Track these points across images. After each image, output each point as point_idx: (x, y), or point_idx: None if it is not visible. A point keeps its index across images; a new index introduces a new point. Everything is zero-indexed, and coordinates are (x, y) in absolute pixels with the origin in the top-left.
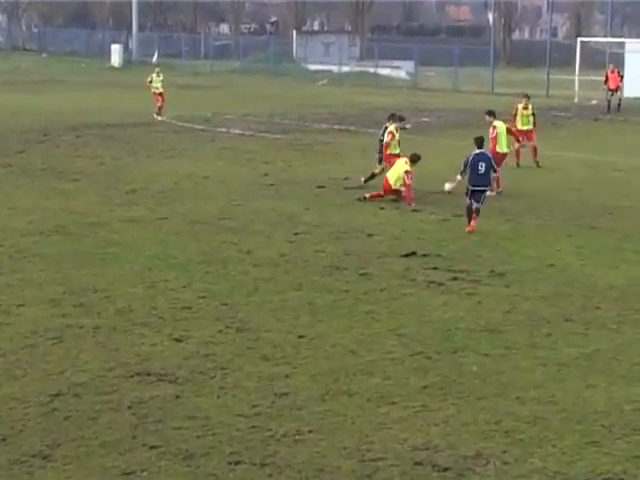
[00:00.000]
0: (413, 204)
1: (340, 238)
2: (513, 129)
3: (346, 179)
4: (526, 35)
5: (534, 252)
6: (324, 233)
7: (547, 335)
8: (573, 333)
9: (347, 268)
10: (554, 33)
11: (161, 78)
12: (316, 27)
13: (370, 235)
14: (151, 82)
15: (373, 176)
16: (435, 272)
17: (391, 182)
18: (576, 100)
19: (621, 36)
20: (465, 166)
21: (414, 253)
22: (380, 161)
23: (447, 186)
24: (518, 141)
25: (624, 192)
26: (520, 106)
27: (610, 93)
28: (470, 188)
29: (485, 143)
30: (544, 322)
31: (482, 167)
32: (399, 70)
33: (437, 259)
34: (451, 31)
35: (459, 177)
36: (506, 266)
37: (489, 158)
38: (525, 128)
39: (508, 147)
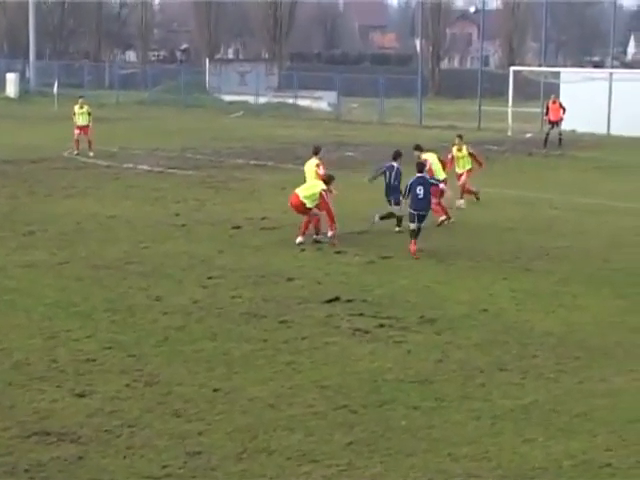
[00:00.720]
0: (335, 242)
1: (258, 283)
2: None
3: (264, 219)
4: (456, 64)
5: (467, 296)
6: (240, 277)
7: (481, 386)
8: (508, 383)
9: (265, 315)
10: (486, 62)
11: (84, 110)
12: (230, 55)
13: (290, 279)
14: (74, 114)
15: (391, 216)
16: (360, 319)
17: (301, 196)
18: (509, 133)
19: (556, 65)
20: (407, 191)
21: (337, 298)
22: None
23: (458, 203)
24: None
25: (561, 231)
26: (454, 149)
27: (550, 126)
28: (411, 212)
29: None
30: (477, 372)
31: (420, 191)
32: (320, 101)
33: (362, 305)
34: (376, 59)
35: (403, 200)
36: (437, 312)
37: (428, 182)
38: (462, 171)
39: (446, 173)
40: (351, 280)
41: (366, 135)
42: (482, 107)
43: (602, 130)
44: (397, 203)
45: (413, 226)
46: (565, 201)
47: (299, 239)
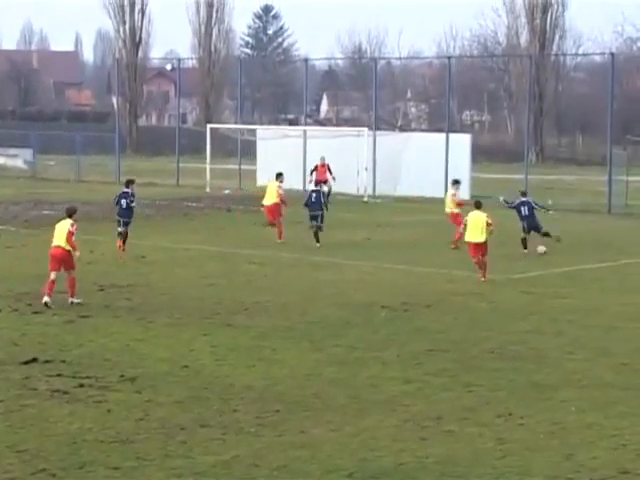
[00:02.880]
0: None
1: None
2: None
3: None
4: (154, 121)
5: (167, 353)
6: None
7: (182, 443)
8: (210, 439)
9: None
10: (183, 119)
11: None
12: None
13: None
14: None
15: None
16: (59, 379)
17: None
18: (208, 189)
19: (252, 122)
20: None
21: (35, 360)
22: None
23: (540, 249)
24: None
25: (260, 286)
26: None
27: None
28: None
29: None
30: (179, 429)
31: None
32: (16, 158)
33: (61, 365)
34: (73, 116)
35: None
36: (137, 370)
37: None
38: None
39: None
40: (49, 340)
41: (63, 193)
42: (180, 164)
43: (298, 186)
44: None
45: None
46: (263, 255)
47: (45, 299)
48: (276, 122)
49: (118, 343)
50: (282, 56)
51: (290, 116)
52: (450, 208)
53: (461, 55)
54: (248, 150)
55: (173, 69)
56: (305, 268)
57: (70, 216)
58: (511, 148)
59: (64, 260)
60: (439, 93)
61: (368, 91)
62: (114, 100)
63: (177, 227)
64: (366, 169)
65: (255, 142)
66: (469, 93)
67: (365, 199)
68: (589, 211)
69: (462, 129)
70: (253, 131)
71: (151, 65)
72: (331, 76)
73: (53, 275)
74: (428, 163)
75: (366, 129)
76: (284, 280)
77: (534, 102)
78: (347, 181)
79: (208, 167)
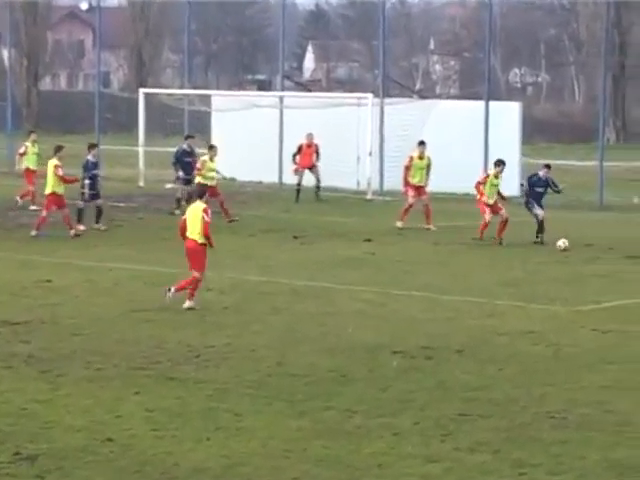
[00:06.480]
0: None
1: None
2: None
3: None
4: (63, 84)
5: (83, 421)
6: None
7: None
8: None
9: None
10: (106, 81)
11: (36, 150)
12: None
13: None
14: (24, 154)
15: None
16: None
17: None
18: (142, 183)
19: (205, 86)
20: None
21: None
22: None
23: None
24: None
25: (218, 323)
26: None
27: (301, 174)
28: None
29: None
30: None
31: None
32: None
33: None
34: None
35: None
36: (39, 445)
37: None
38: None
39: None
40: None
41: None
42: (102, 146)
43: (273, 178)
44: None
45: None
46: (223, 279)
47: None
48: (240, 86)
49: (11, 406)
50: None
51: (260, 77)
52: (491, 198)
53: None
54: (200, 126)
55: (90, 9)
56: (283, 296)
57: None
58: (580, 122)
59: None
60: (475, 43)
61: (373, 41)
62: (4, 53)
63: (97, 237)
64: (370, 154)
65: (210, 114)
66: (519, 44)
67: (369, 197)
68: None
69: (509, 95)
70: (207, 98)
71: (59, 3)
72: (319, 19)
73: None
74: (459, 144)
75: (370, 95)
76: (252, 314)
77: (613, 56)
78: (344, 171)
79: (141, 151)
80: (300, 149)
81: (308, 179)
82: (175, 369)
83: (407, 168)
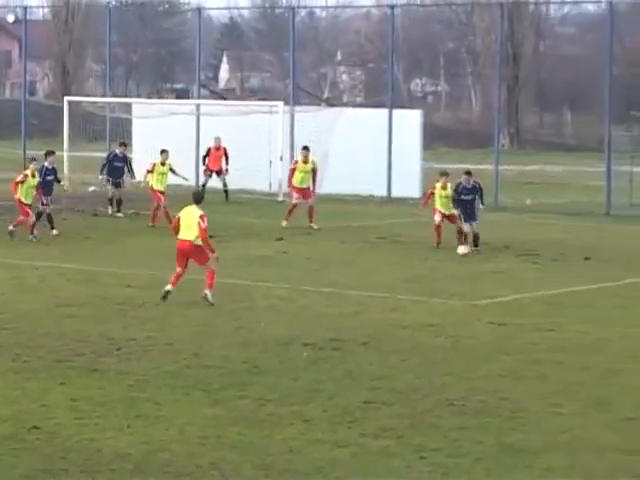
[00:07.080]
0: None
1: None
2: None
3: None
4: None
5: (9, 410)
6: None
7: None
8: None
9: None
10: (32, 90)
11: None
12: None
13: None
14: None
15: None
16: None
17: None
18: (66, 187)
19: (126, 95)
20: None
21: None
22: None
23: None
24: None
25: (138, 317)
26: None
27: (208, 176)
28: None
29: None
30: None
31: None
32: None
33: None
34: None
35: None
36: None
37: None
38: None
39: None
40: None
41: None
42: (28, 151)
43: (190, 182)
44: None
45: None
46: (143, 276)
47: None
48: (159, 94)
49: None
50: (167, 4)
51: (178, 86)
52: (447, 208)
53: (409, 3)
54: (121, 132)
55: (17, 21)
56: (198, 292)
57: None
58: (477, 129)
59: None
60: (379, 55)
61: (284, 52)
62: None
63: (23, 237)
64: (281, 158)
65: (130, 121)
66: (420, 55)
67: (280, 199)
68: (581, 213)
69: (411, 103)
70: (128, 106)
71: None
72: (233, 32)
73: None
74: (365, 149)
75: (281, 103)
76: (170, 309)
77: (507, 67)
78: (256, 175)
79: (66, 155)
80: (209, 152)
81: (218, 181)
82: (98, 361)
83: (292, 171)
